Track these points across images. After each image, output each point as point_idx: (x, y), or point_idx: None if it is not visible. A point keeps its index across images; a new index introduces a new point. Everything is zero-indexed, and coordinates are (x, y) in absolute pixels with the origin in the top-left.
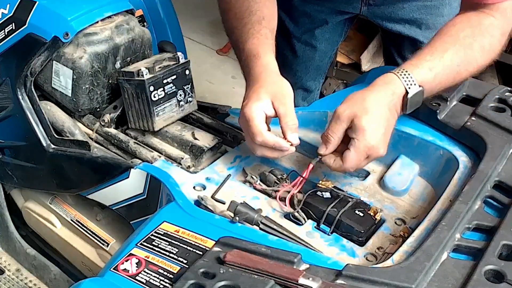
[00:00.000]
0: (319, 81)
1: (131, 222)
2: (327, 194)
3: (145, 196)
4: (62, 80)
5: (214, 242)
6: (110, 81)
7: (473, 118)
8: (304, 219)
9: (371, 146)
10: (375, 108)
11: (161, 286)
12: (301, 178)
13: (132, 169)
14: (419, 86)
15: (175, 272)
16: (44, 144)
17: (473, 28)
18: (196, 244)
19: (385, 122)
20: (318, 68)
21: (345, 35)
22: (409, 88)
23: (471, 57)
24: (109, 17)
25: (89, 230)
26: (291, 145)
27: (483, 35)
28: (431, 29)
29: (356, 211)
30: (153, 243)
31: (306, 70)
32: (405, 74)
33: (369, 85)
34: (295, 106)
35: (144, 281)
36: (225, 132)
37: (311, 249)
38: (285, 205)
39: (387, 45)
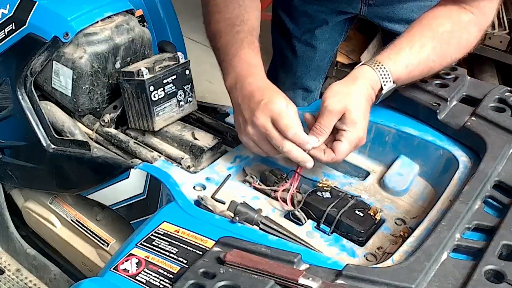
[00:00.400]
0: (319, 81)
1: (131, 222)
2: (327, 194)
3: (145, 196)
4: (62, 80)
5: (214, 242)
6: (110, 81)
7: (473, 118)
8: (304, 219)
9: (361, 137)
10: (361, 102)
11: (161, 286)
12: (296, 174)
13: (132, 169)
14: (393, 82)
15: (175, 272)
16: (44, 144)
17: (453, 24)
18: (196, 244)
19: (367, 113)
20: (319, 68)
21: (345, 35)
22: (384, 84)
23: (447, 52)
24: (109, 17)
25: (89, 230)
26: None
27: (461, 31)
28: None
29: (356, 211)
30: (153, 243)
31: (306, 70)
32: (382, 70)
33: (347, 77)
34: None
35: (144, 281)
36: (225, 132)
37: (311, 249)
38: (286, 204)
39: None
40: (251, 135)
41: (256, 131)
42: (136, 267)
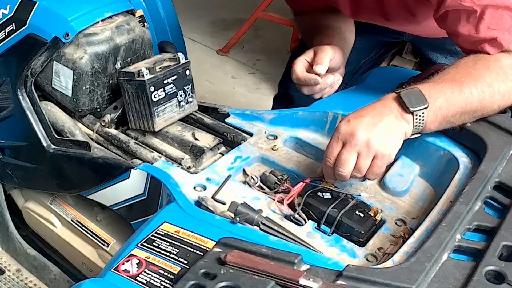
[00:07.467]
0: None
1: (131, 223)
2: (327, 195)
3: (145, 197)
4: (62, 80)
5: (215, 242)
6: (110, 82)
7: None
8: (304, 219)
9: (354, 134)
10: (360, 110)
11: (162, 286)
12: (302, 183)
13: (132, 170)
14: (412, 88)
15: (176, 272)
16: (45, 145)
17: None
18: (196, 244)
19: (374, 115)
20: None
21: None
22: (400, 92)
23: (478, 76)
24: (110, 17)
25: (90, 230)
26: (319, 75)
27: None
28: None
29: (357, 212)
30: (154, 243)
31: None
32: (397, 87)
33: None
34: None
35: (145, 282)
36: (225, 132)
37: (312, 249)
38: (284, 207)
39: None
40: None
41: None
42: (137, 267)
